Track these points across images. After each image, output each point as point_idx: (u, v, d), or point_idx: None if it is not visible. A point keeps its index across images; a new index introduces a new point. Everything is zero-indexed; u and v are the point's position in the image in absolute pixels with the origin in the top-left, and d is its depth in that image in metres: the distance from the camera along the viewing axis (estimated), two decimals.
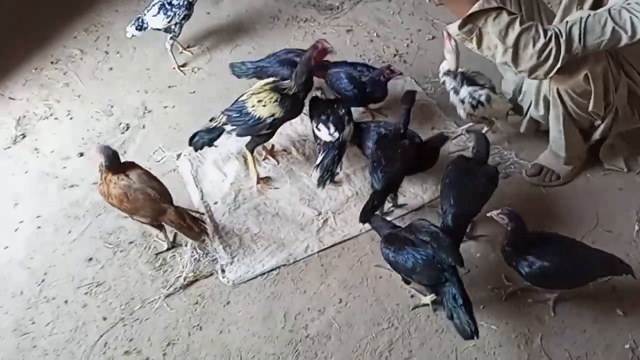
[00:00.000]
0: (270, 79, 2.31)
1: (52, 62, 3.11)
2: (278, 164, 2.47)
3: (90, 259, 2.15)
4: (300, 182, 2.39)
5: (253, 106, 2.21)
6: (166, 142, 2.61)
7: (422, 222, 1.84)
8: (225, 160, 2.51)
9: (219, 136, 2.33)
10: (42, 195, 2.40)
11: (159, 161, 2.53)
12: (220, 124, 2.28)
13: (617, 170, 2.30)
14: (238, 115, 2.24)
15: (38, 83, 2.97)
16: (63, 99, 2.87)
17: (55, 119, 2.77)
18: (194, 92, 2.91)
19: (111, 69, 3.07)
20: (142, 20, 2.90)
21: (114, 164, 2.01)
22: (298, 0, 3.45)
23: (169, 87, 2.93)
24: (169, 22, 2.90)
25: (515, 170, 2.35)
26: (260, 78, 2.54)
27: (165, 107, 2.82)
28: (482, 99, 2.26)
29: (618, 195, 2.23)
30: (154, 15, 2.88)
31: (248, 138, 2.34)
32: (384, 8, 3.39)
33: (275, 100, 2.19)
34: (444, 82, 2.36)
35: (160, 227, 2.09)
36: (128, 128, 2.70)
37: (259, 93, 2.23)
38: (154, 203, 1.98)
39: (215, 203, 2.33)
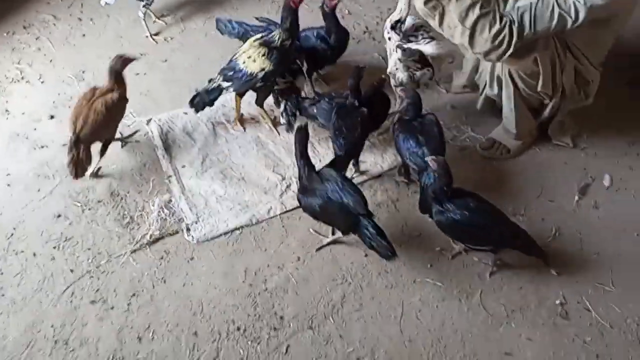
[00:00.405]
0: (258, 35, 2.39)
1: (24, 27, 3.12)
2: (244, 130, 2.57)
3: (59, 216, 2.22)
4: (266, 149, 2.49)
5: (244, 62, 2.32)
6: (137, 107, 2.67)
7: (330, 172, 2.00)
8: (194, 127, 2.59)
9: (219, 95, 2.43)
10: (12, 155, 2.45)
11: (129, 125, 2.59)
12: (218, 82, 2.39)
13: (564, 146, 2.45)
14: (232, 72, 2.36)
15: (10, 47, 2.98)
16: (35, 63, 2.90)
17: (27, 82, 2.80)
18: (165, 60, 2.96)
19: (84, 35, 3.10)
20: None
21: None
22: None
23: (141, 54, 2.97)
24: None
25: (470, 144, 2.49)
26: (242, 40, 2.60)
27: (137, 74, 2.86)
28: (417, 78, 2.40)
29: (563, 168, 2.39)
30: None
31: (218, 104, 2.47)
32: None
33: (264, 54, 2.29)
34: (389, 38, 2.37)
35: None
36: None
37: (248, 49, 2.34)
38: None
39: (184, 166, 2.42)
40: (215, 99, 2.45)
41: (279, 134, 2.55)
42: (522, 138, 2.39)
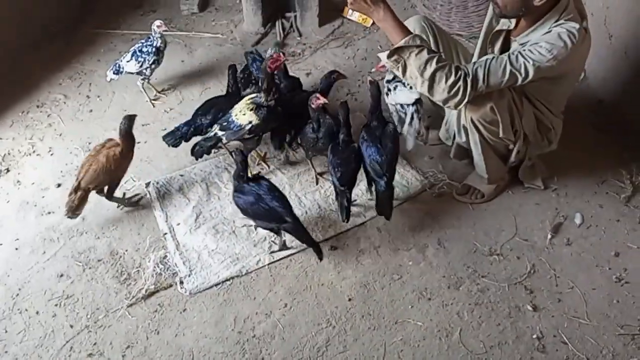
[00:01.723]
0: (253, 95, 2.68)
1: (37, 106, 3.40)
2: (268, 167, 2.84)
3: (62, 275, 2.36)
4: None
5: (236, 115, 2.59)
6: (137, 172, 2.87)
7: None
8: (189, 187, 2.77)
9: (216, 144, 2.67)
10: (21, 221, 2.62)
11: (129, 189, 2.78)
12: (215, 131, 2.66)
13: (535, 188, 2.58)
14: (227, 123, 2.63)
15: (24, 124, 3.25)
16: (46, 138, 3.15)
17: (38, 155, 3.03)
18: (165, 129, 3.19)
19: (91, 111, 3.37)
20: (119, 65, 3.26)
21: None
22: (264, 49, 3.82)
23: (143, 125, 3.22)
24: (141, 67, 3.25)
25: (447, 190, 2.62)
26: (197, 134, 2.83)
27: (138, 142, 3.07)
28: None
29: (535, 209, 2.50)
30: (128, 61, 3.25)
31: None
32: (340, 54, 3.77)
33: (252, 109, 2.57)
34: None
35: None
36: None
37: (241, 104, 2.63)
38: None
39: (178, 224, 2.57)
40: (213, 146, 2.70)
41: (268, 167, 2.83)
42: (494, 182, 2.53)
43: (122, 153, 2.53)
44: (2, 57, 3.63)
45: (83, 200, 2.49)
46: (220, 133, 2.63)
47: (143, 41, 3.29)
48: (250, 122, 2.56)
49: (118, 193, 2.63)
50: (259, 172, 2.81)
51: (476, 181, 2.55)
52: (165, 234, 2.52)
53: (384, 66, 2.51)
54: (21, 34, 3.78)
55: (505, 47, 2.34)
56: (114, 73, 3.26)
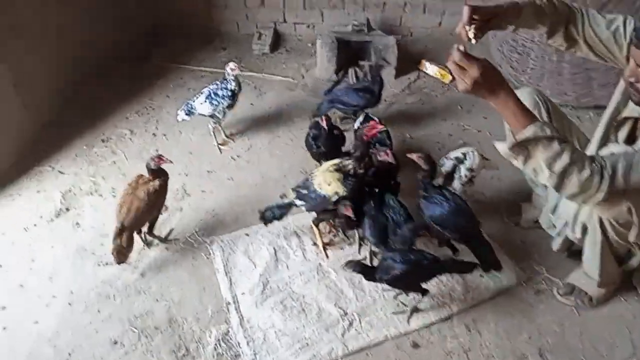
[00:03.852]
0: (336, 160, 2.39)
1: (102, 140, 3.25)
2: (328, 258, 2.47)
3: (116, 343, 2.11)
4: (327, 279, 2.36)
5: (319, 184, 2.32)
6: (201, 226, 2.64)
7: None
8: (256, 250, 2.51)
9: (288, 211, 2.46)
10: (77, 271, 2.41)
11: (193, 245, 2.55)
12: (291, 199, 2.41)
13: None
14: (306, 192, 2.37)
15: (88, 160, 3.08)
16: (109, 177, 2.97)
17: (100, 195, 2.85)
18: (231, 178, 2.98)
19: (157, 150, 3.18)
20: (191, 106, 3.07)
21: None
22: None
23: (208, 172, 3.01)
24: (214, 110, 3.05)
25: (546, 287, 2.28)
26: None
27: (204, 191, 2.88)
28: (468, 174, 2.51)
29: None
30: (201, 103, 3.05)
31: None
32: (416, 110, 3.51)
33: (339, 179, 2.28)
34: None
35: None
36: (167, 209, 2.75)
37: (324, 172, 2.34)
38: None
39: (243, 294, 2.31)
40: (285, 214, 2.46)
41: (327, 257, 2.46)
42: (605, 286, 2.17)
43: (161, 186, 2.40)
44: (70, 85, 3.52)
45: (130, 241, 2.31)
46: (298, 203, 2.38)
47: (218, 83, 3.10)
48: (336, 193, 2.28)
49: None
50: (330, 240, 2.54)
51: (583, 281, 2.20)
52: (229, 304, 2.25)
53: (421, 156, 2.30)
54: (90, 62, 3.68)
55: (632, 137, 2.02)
56: (185, 114, 3.07)
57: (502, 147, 1.76)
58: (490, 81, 1.63)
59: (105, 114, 3.44)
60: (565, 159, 1.70)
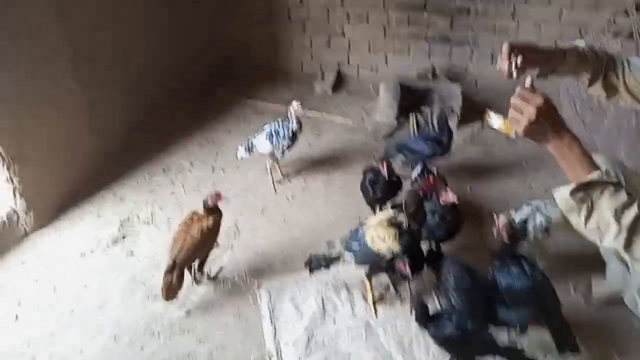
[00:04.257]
0: (388, 213, 2.32)
1: (164, 170, 3.32)
2: (376, 317, 2.35)
3: None
4: (375, 339, 2.24)
5: (372, 239, 2.22)
6: (250, 267, 2.61)
7: None
8: (303, 299, 2.44)
9: (336, 263, 2.40)
10: (127, 302, 2.43)
11: (241, 287, 2.51)
12: (340, 252, 2.36)
13: None
14: (359, 247, 2.29)
15: (148, 188, 3.15)
16: (166, 207, 3.02)
17: (155, 225, 2.88)
18: (284, 219, 2.95)
19: (214, 184, 3.21)
20: (252, 143, 3.09)
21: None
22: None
23: (262, 210, 3.00)
24: (274, 149, 3.06)
25: None
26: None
27: (255, 230, 2.86)
28: (544, 223, 2.33)
29: None
30: (261, 141, 3.06)
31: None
32: (478, 162, 3.38)
33: (394, 236, 2.18)
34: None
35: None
36: (218, 246, 2.74)
37: (377, 227, 2.24)
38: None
39: (287, 344, 2.23)
40: (332, 265, 2.39)
41: (376, 316, 2.34)
42: None
43: (214, 224, 2.39)
44: (137, 114, 3.65)
45: (180, 279, 2.30)
46: (348, 255, 2.31)
47: (279, 122, 3.11)
48: (391, 251, 2.19)
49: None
50: (381, 295, 2.43)
51: None
52: (272, 356, 2.18)
53: (506, 225, 2.16)
54: (157, 92, 3.81)
55: None
56: (245, 150, 3.10)
57: (562, 194, 1.47)
58: (554, 117, 1.43)
59: (167, 145, 3.54)
60: (633, 209, 1.47)
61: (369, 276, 2.37)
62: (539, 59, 1.70)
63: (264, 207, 3.03)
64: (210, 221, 2.37)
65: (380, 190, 2.71)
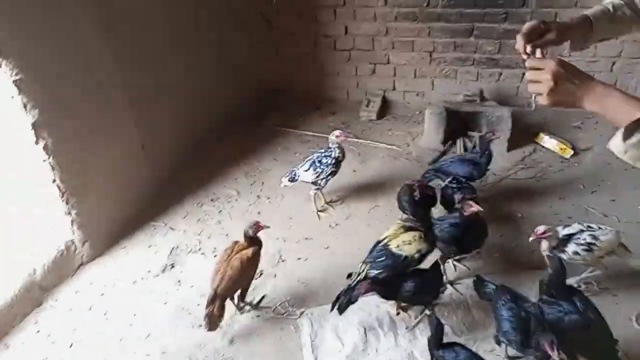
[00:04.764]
0: (401, 222, 2.47)
1: (211, 199, 3.42)
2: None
3: None
4: None
5: (398, 246, 2.32)
6: (293, 295, 2.61)
7: None
8: (345, 328, 2.40)
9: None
10: (173, 330, 2.48)
11: (283, 314, 2.51)
12: (365, 273, 2.34)
13: None
14: (383, 258, 2.32)
15: (196, 217, 3.25)
16: (213, 236, 3.09)
17: (202, 254, 2.96)
18: (327, 247, 2.93)
19: (259, 212, 3.26)
20: (295, 173, 3.13)
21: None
22: None
23: (306, 239, 3.01)
24: (317, 177, 3.08)
25: None
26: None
27: (299, 258, 2.87)
28: (589, 240, 2.25)
29: None
30: (305, 170, 3.10)
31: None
32: (528, 187, 3.23)
33: (419, 237, 2.33)
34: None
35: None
36: (261, 274, 2.76)
37: (398, 235, 2.38)
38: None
39: None
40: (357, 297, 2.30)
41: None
42: None
43: (254, 255, 2.42)
44: (188, 145, 3.79)
45: (222, 309, 2.32)
46: (374, 273, 2.29)
47: (322, 151, 3.14)
48: (419, 251, 2.30)
49: None
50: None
51: None
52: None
53: (545, 232, 2.24)
54: (207, 123, 3.96)
55: None
56: (289, 180, 3.14)
57: (617, 141, 1.28)
58: (575, 74, 1.30)
59: (216, 174, 3.64)
60: None
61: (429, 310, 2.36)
62: (573, 33, 1.59)
63: (308, 235, 3.03)
64: (250, 252, 2.40)
65: (410, 212, 2.70)
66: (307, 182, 3.13)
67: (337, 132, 3.10)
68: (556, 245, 2.27)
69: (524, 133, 3.67)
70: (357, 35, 4.22)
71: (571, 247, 2.28)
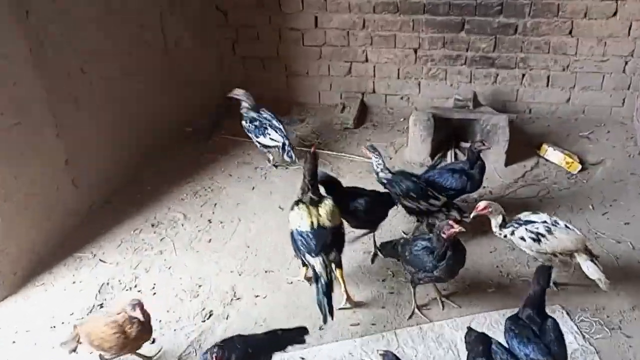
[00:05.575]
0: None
1: (152, 225, 3.39)
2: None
3: None
4: None
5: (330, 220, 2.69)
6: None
7: None
8: None
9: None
10: None
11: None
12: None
13: None
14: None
15: (133, 247, 3.22)
16: (152, 270, 3.05)
17: (139, 291, 2.92)
18: (291, 282, 2.93)
19: (210, 240, 3.25)
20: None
21: None
22: None
23: (266, 271, 3.00)
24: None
25: None
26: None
27: (257, 296, 2.85)
28: (541, 231, 2.59)
29: None
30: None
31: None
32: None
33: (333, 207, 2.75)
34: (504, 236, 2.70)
35: None
36: (210, 315, 2.74)
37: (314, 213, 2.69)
38: None
39: None
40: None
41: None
42: None
43: (136, 336, 2.39)
44: (126, 162, 3.76)
45: None
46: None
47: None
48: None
49: None
50: None
51: None
52: None
53: (485, 208, 2.64)
54: (150, 136, 3.93)
55: None
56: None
57: None
58: None
59: (159, 195, 3.63)
60: None
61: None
62: None
63: (267, 267, 3.03)
64: (133, 331, 2.37)
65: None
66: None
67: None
68: (504, 223, 2.67)
69: (524, 144, 3.77)
70: (328, 28, 4.30)
71: (520, 231, 2.63)
